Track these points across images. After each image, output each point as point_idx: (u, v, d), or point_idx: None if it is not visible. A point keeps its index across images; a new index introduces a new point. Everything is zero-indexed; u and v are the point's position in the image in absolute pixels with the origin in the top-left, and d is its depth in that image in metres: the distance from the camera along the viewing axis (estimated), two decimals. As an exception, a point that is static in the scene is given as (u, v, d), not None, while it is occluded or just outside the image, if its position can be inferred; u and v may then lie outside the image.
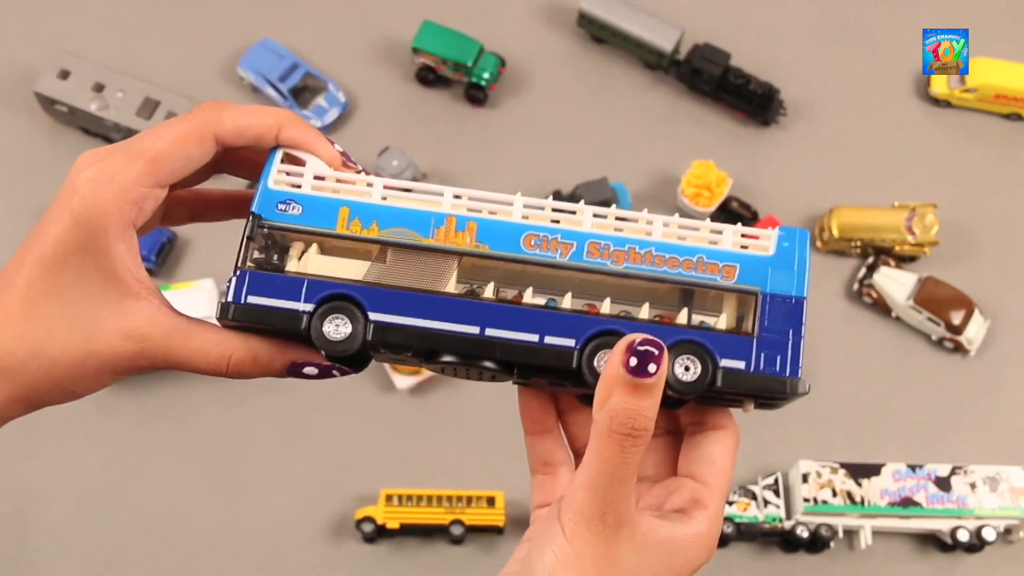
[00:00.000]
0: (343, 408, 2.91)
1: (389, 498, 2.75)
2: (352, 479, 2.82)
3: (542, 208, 0.67)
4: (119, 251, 0.61)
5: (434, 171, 3.21)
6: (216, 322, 0.66)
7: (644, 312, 0.66)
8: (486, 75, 3.28)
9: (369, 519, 2.74)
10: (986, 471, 2.83)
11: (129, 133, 3.16)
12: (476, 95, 3.32)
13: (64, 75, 3.18)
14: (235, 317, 0.64)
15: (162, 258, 3.09)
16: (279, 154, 0.67)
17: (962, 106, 3.42)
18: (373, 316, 0.64)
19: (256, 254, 0.66)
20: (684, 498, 0.67)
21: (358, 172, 0.69)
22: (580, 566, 0.58)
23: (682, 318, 0.66)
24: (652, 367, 0.57)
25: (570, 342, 0.64)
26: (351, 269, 0.64)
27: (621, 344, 0.58)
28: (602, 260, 0.65)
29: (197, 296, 2.91)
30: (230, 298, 0.65)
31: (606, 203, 3.12)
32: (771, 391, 0.68)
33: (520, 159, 3.28)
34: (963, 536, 2.77)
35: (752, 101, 3.29)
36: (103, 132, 3.22)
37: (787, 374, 0.68)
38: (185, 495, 2.81)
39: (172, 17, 3.46)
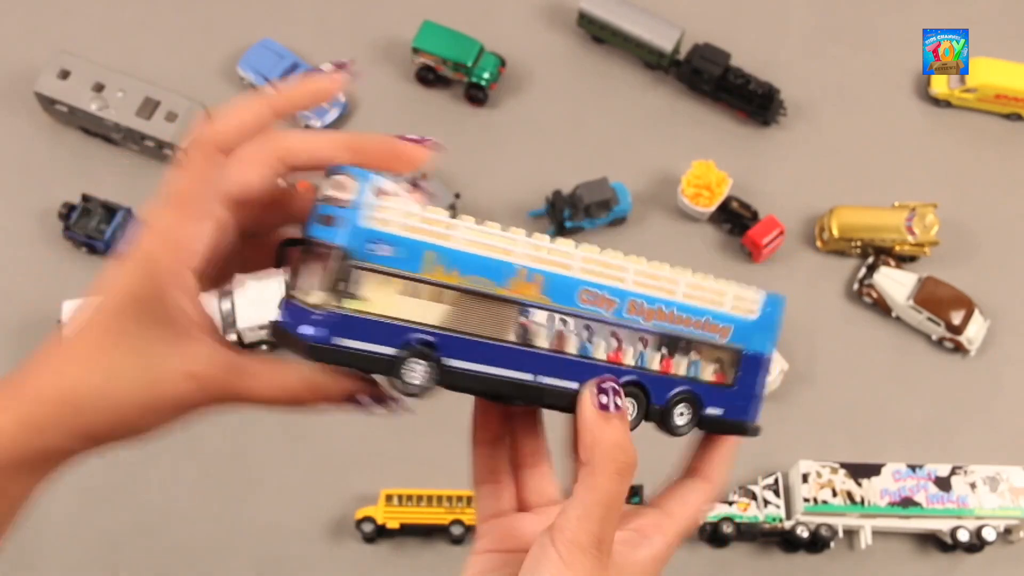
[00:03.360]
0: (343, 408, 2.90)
1: (389, 498, 2.75)
2: (352, 479, 2.82)
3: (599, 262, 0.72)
4: (174, 297, 0.64)
5: (434, 171, 3.21)
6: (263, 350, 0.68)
7: (656, 362, 0.73)
8: (486, 75, 3.28)
9: (369, 519, 2.74)
10: (986, 471, 2.83)
11: (129, 133, 3.17)
12: (476, 95, 3.33)
13: (64, 75, 3.18)
14: (321, 359, 0.63)
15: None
16: (369, 188, 0.64)
17: (962, 106, 3.42)
18: (448, 362, 0.66)
19: (330, 290, 0.64)
20: (645, 522, 0.71)
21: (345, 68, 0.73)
22: None
23: (679, 368, 0.74)
24: (619, 401, 0.67)
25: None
26: (426, 312, 0.65)
27: (586, 392, 0.67)
28: (637, 316, 0.72)
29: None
30: (314, 337, 0.63)
31: (606, 203, 3.12)
32: (736, 432, 0.79)
33: (520, 159, 3.28)
34: (963, 536, 2.77)
35: (752, 101, 3.29)
36: (103, 132, 3.22)
37: (750, 419, 0.79)
38: (185, 495, 2.81)
39: (172, 17, 3.46)
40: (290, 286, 0.66)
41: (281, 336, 0.66)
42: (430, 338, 0.65)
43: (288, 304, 0.66)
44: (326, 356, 0.63)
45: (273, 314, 0.68)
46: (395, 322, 0.64)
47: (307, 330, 0.63)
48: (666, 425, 0.73)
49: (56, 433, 0.63)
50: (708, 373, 0.76)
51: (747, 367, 0.77)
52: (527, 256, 0.68)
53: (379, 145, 0.70)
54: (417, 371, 0.65)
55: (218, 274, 0.68)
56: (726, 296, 0.77)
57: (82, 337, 0.64)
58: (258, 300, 2.84)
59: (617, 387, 0.68)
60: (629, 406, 0.69)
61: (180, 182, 0.65)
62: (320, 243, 0.64)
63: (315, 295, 0.63)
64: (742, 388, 0.77)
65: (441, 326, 0.66)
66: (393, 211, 0.64)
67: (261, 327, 2.85)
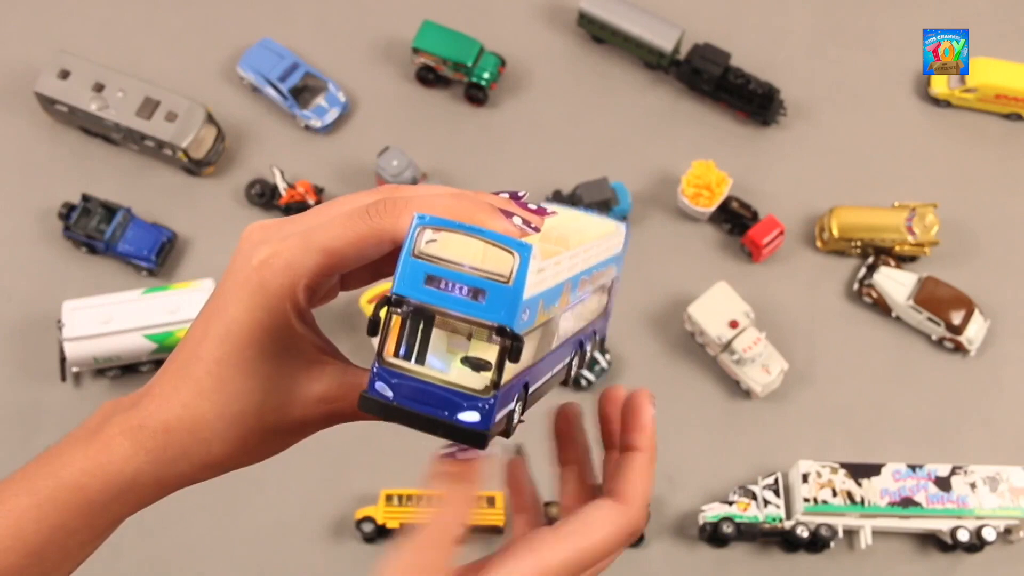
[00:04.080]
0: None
1: (389, 498, 2.75)
2: (352, 479, 2.82)
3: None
4: (300, 329, 0.64)
5: (434, 171, 3.21)
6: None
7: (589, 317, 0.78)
8: (486, 75, 3.28)
9: (369, 519, 2.74)
10: (986, 471, 2.83)
11: (129, 133, 3.18)
12: (476, 95, 3.32)
13: (64, 75, 3.18)
14: (485, 444, 0.61)
15: (162, 258, 3.09)
16: (533, 262, 0.59)
17: (962, 106, 3.42)
18: (530, 391, 0.65)
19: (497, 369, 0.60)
20: (525, 542, 0.65)
21: (532, 210, 0.69)
22: None
23: (596, 313, 0.79)
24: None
25: None
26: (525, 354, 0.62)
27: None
28: (587, 288, 0.75)
29: (197, 296, 2.92)
30: (484, 423, 0.60)
31: (606, 203, 3.12)
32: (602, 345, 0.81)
33: (520, 159, 3.28)
34: (963, 536, 2.77)
35: (752, 101, 3.29)
36: (103, 132, 3.22)
37: (602, 333, 0.84)
38: (185, 495, 2.79)
39: (172, 17, 3.46)
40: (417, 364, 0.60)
41: (430, 425, 0.60)
42: (526, 378, 0.64)
43: (436, 391, 0.60)
44: (492, 434, 0.61)
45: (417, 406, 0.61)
46: (515, 378, 0.62)
47: (473, 417, 0.59)
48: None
49: (183, 465, 0.65)
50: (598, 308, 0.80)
51: (612, 293, 0.82)
52: (567, 271, 0.68)
53: (482, 220, 0.65)
54: (518, 411, 0.64)
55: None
56: (614, 238, 0.79)
57: (208, 369, 0.64)
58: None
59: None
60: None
61: (337, 240, 0.63)
62: (468, 319, 0.59)
63: (479, 377, 0.59)
64: (607, 312, 0.82)
65: (531, 362, 0.65)
66: (539, 276, 0.61)
67: None
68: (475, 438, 0.60)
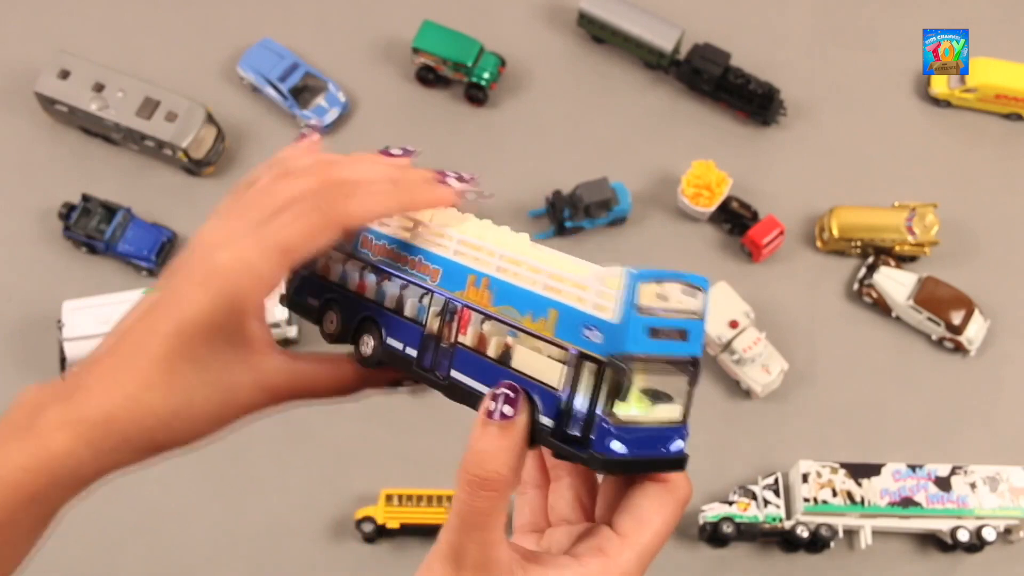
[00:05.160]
0: (343, 408, 2.89)
1: (389, 498, 2.75)
2: (352, 479, 2.82)
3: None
4: (254, 327, 0.68)
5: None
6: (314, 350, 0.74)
7: None
8: (486, 75, 3.28)
9: (369, 519, 2.74)
10: (986, 471, 2.83)
11: (129, 133, 3.17)
12: (476, 95, 3.32)
13: (64, 75, 3.18)
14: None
15: (162, 258, 3.09)
16: (706, 294, 0.66)
17: (962, 106, 3.42)
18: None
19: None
20: (588, 545, 0.65)
21: (480, 192, 0.78)
22: None
23: None
24: (507, 410, 0.62)
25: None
26: None
27: (488, 392, 0.64)
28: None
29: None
30: (685, 449, 0.67)
31: (606, 203, 3.12)
32: None
33: (520, 159, 3.28)
34: (963, 536, 2.77)
35: (752, 101, 3.29)
36: (103, 132, 3.22)
37: None
38: (185, 495, 2.81)
39: (172, 17, 3.46)
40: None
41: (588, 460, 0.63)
42: None
43: (603, 424, 0.62)
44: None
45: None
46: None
47: (680, 445, 0.66)
48: None
49: (123, 453, 0.66)
50: None
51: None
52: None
53: (423, 199, 0.74)
54: None
55: None
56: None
57: (152, 357, 0.65)
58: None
59: (510, 394, 0.63)
60: (519, 417, 0.63)
61: (291, 237, 0.67)
62: (676, 360, 0.64)
63: (671, 407, 0.65)
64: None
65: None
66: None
67: (273, 325, 2.87)
68: (681, 463, 0.66)
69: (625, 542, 0.65)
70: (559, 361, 0.64)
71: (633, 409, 0.62)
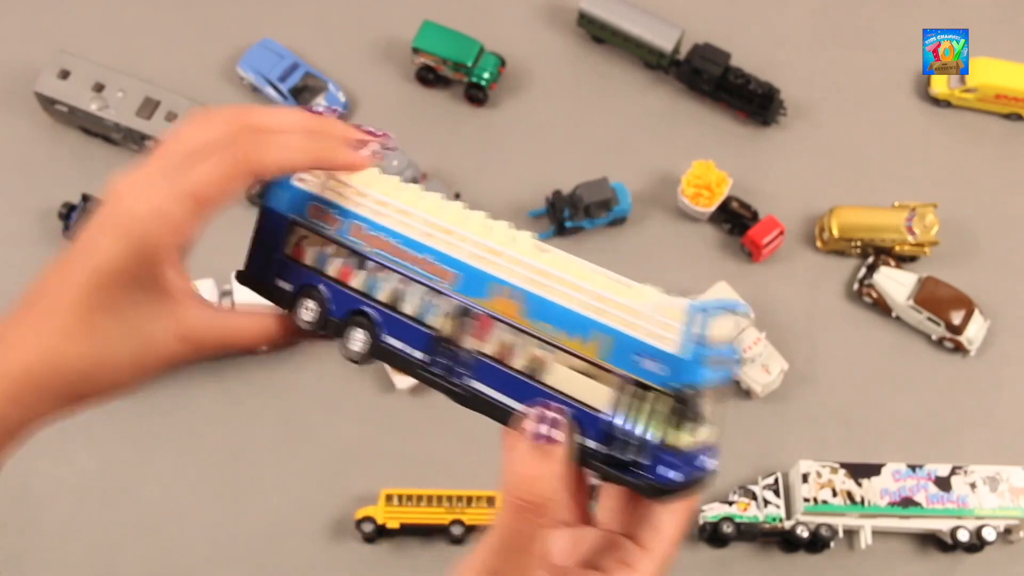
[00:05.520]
0: (343, 408, 2.91)
1: (389, 498, 2.75)
2: (352, 479, 2.82)
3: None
4: (170, 275, 0.68)
5: (434, 171, 3.21)
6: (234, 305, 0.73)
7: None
8: (486, 75, 3.28)
9: (369, 519, 2.74)
10: (986, 471, 2.83)
11: (129, 133, 3.17)
12: (476, 95, 3.32)
13: (64, 75, 3.18)
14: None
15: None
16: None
17: (962, 106, 3.42)
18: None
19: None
20: (613, 559, 0.66)
21: (388, 145, 0.80)
22: None
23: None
24: (557, 434, 0.61)
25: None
26: None
27: (530, 412, 0.63)
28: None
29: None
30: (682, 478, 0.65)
31: (606, 203, 3.12)
32: None
33: (520, 159, 3.28)
34: (963, 536, 2.77)
35: (752, 101, 3.29)
36: (103, 132, 3.22)
37: None
38: (185, 495, 2.81)
39: (172, 17, 3.46)
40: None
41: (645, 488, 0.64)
42: None
43: (663, 455, 0.64)
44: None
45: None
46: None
47: (675, 474, 0.64)
48: None
49: (46, 404, 0.66)
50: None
51: None
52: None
53: (340, 161, 0.75)
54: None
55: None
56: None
57: (69, 308, 0.65)
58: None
59: (558, 417, 0.63)
60: (562, 440, 0.62)
61: (205, 183, 0.66)
62: (725, 387, 0.67)
63: (706, 428, 0.66)
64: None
65: None
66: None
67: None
68: (711, 478, 0.67)
69: (647, 554, 0.67)
70: (604, 384, 0.64)
71: (687, 436, 0.63)
